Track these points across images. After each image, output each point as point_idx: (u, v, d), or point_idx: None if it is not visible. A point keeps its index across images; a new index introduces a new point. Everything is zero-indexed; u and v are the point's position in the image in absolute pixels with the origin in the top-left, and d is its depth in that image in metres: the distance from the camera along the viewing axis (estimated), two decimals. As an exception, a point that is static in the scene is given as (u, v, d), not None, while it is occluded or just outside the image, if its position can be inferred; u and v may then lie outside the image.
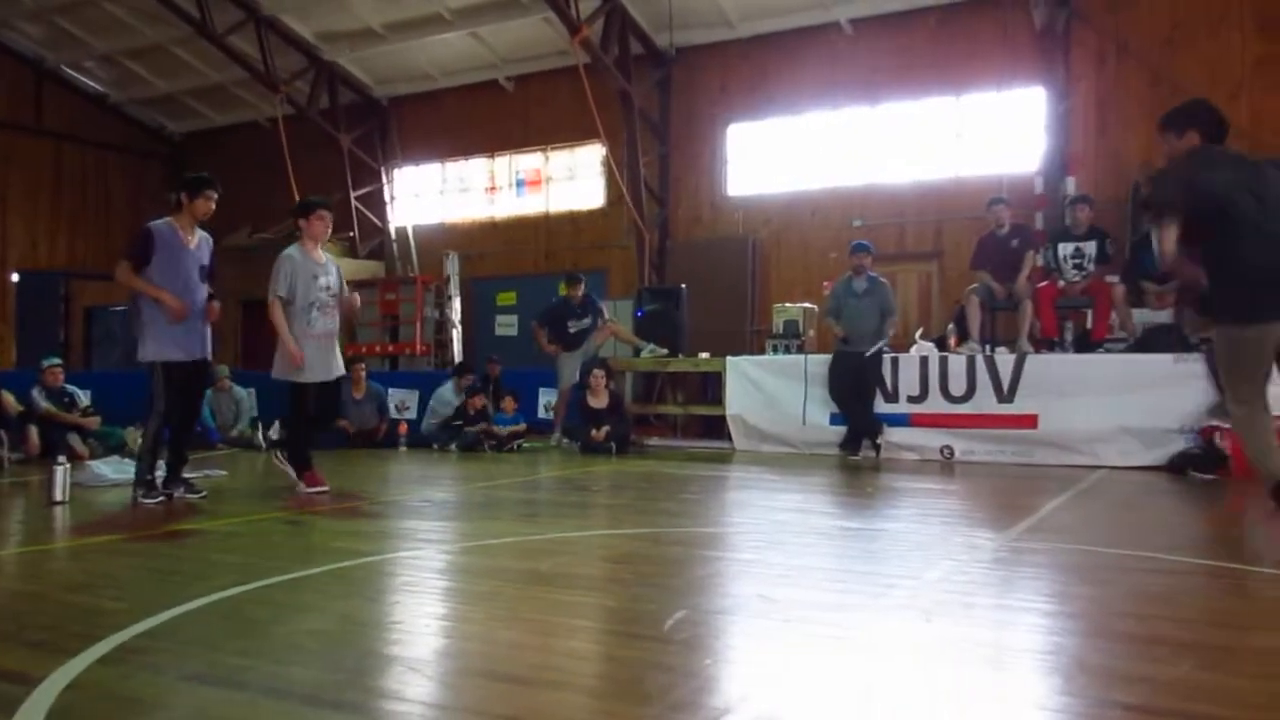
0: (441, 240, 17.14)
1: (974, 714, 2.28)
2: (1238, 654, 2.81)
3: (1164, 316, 9.17)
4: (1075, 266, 9.21)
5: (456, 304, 16.31)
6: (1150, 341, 8.76)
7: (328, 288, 6.45)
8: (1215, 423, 7.87)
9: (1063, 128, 12.40)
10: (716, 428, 10.79)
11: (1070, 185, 11.87)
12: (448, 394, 11.02)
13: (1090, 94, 12.48)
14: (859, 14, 13.79)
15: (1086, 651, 2.83)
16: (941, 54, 13.25)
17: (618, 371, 11.12)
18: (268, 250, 17.66)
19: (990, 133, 13.23)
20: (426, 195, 18.04)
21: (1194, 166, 4.11)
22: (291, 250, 6.44)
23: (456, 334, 16.25)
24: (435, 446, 10.54)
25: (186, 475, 6.23)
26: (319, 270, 6.43)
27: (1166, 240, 4.13)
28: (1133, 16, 12.26)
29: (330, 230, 6.73)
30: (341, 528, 5.23)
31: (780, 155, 14.73)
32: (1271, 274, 3.98)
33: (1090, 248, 9.17)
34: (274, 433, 10.69)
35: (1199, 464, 7.77)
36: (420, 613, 3.33)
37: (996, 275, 9.35)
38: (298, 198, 15.44)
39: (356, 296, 6.94)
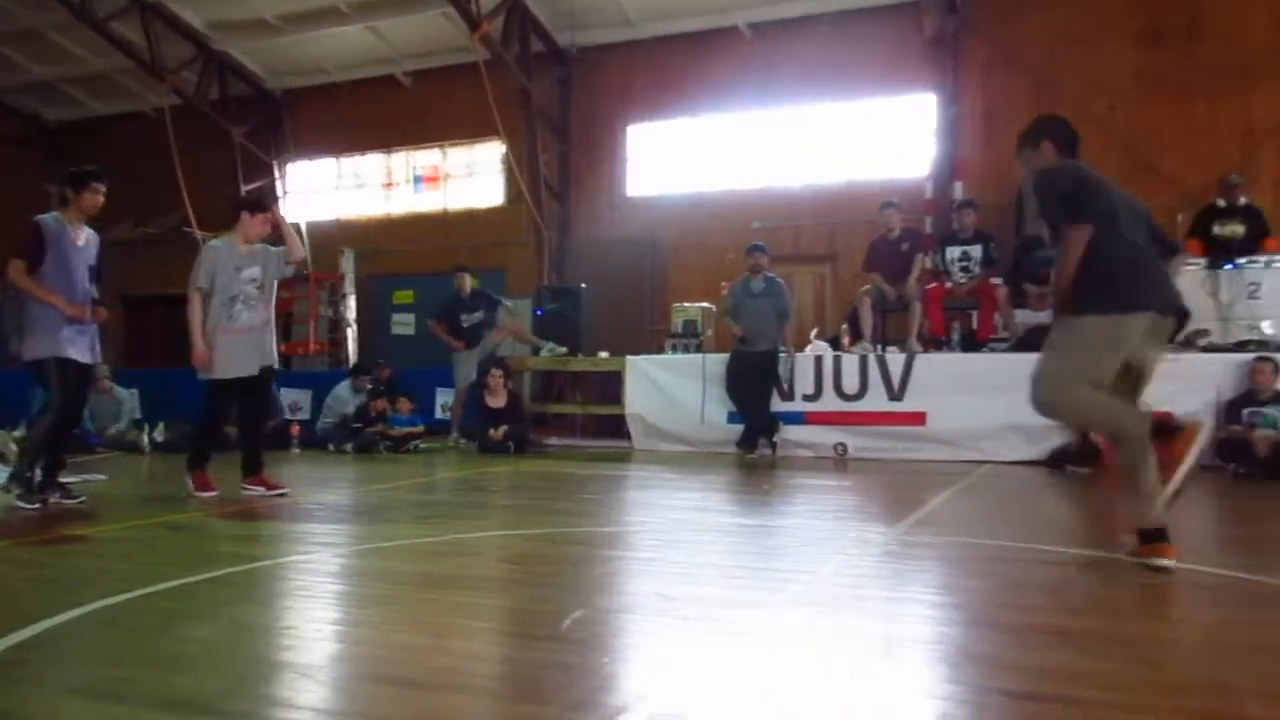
0: (337, 237, 16.74)
1: (866, 704, 2.34)
2: (1112, 640, 2.94)
3: (1044, 317, 9.55)
4: (962, 269, 9.54)
5: (352, 302, 15.95)
6: (1032, 341, 9.09)
7: (253, 280, 6.20)
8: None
9: (951, 134, 12.81)
10: (616, 427, 10.81)
11: (958, 190, 12.26)
12: (344, 393, 10.79)
13: (978, 102, 12.91)
14: (757, 18, 13.98)
15: (971, 641, 2.94)
16: (836, 60, 13.53)
17: (516, 371, 11.06)
18: (152, 245, 17.18)
19: (883, 138, 13.59)
20: (321, 191, 17.61)
21: (1087, 177, 4.25)
22: (217, 242, 6.22)
23: (352, 333, 15.91)
24: (331, 447, 10.31)
25: (63, 480, 5.95)
26: (244, 262, 6.18)
27: (1073, 253, 4.26)
28: (1018, 28, 12.72)
29: (267, 230, 6.42)
30: (231, 532, 5.07)
31: (680, 156, 14.85)
32: (1136, 271, 4.19)
33: (976, 251, 9.51)
34: (158, 434, 10.31)
35: (1076, 458, 8.14)
36: (313, 618, 3.25)
37: (888, 277, 9.62)
38: (185, 190, 14.96)
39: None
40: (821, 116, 13.92)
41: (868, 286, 9.80)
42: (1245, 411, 7.71)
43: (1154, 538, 3.84)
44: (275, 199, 5.34)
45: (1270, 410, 7.64)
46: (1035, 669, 2.61)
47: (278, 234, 6.50)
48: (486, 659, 2.81)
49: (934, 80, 12.85)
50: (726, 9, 13.89)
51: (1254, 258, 9.07)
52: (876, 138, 13.62)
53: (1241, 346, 8.43)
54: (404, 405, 10.56)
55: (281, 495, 6.19)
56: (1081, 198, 4.11)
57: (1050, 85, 12.40)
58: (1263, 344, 8.39)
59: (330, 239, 16.69)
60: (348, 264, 15.96)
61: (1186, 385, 8.15)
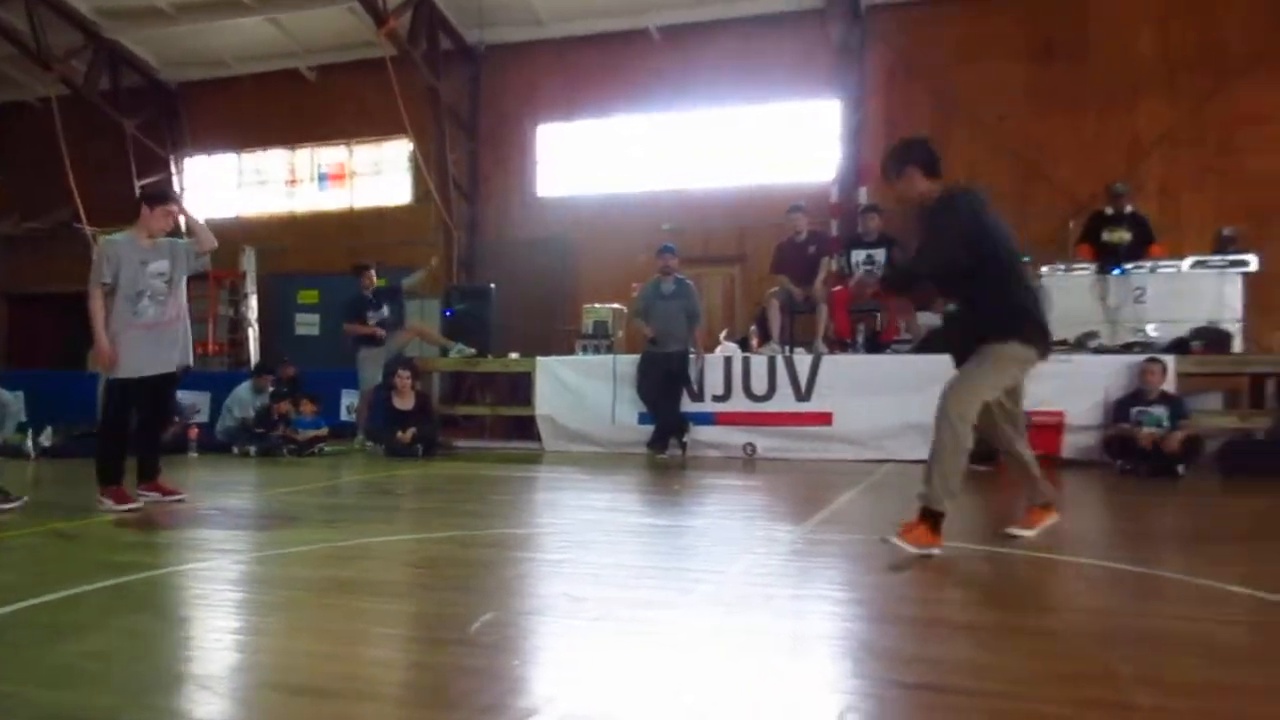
0: (237, 234, 16.23)
1: (774, 702, 2.37)
2: (1008, 633, 3.05)
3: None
4: (867, 272, 9.74)
5: (253, 302, 15.54)
6: (933, 342, 9.37)
7: (161, 274, 5.93)
8: (989, 419, 8.52)
9: (856, 140, 13.08)
10: (526, 428, 10.76)
11: (863, 195, 12.53)
12: (245, 395, 10.50)
13: (881, 109, 13.21)
14: (668, 21, 14.07)
15: (874, 636, 3.01)
16: (745, 65, 13.70)
17: (424, 372, 10.91)
18: (39, 241, 16.43)
19: (790, 142, 13.81)
20: (220, 187, 17.09)
21: (975, 209, 4.33)
22: (117, 236, 5.96)
23: (253, 333, 15.49)
24: (234, 450, 10.01)
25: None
26: (149, 256, 5.91)
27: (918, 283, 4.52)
28: (920, 39, 13.07)
29: (170, 224, 6.17)
30: (125, 539, 4.89)
31: (591, 157, 14.86)
32: (1029, 306, 4.41)
33: (880, 254, 9.74)
34: (45, 439, 9.87)
35: (975, 456, 8.37)
36: (211, 627, 3.16)
37: (795, 279, 9.78)
38: (74, 184, 14.34)
39: None
40: (731, 120, 14.09)
41: (776, 288, 9.94)
42: (1133, 410, 8.05)
43: (934, 521, 4.13)
44: (176, 192, 5.13)
45: (1156, 409, 7.99)
46: (934, 661, 2.68)
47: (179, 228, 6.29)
48: (393, 665, 2.76)
49: (839, 87, 13.10)
50: (637, 11, 13.95)
51: (1140, 263, 9.49)
52: (784, 142, 13.84)
53: (1128, 348, 8.81)
54: (308, 407, 10.31)
55: (179, 501, 5.99)
56: (982, 238, 4.25)
57: (949, 95, 12.79)
58: (1147, 346, 8.77)
59: (230, 236, 16.12)
60: (249, 262, 15.53)
61: (1077, 385, 8.51)
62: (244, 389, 10.57)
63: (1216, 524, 5.88)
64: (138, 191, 14.10)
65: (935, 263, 4.34)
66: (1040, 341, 4.37)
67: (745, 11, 13.65)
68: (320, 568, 4.01)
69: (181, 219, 6.42)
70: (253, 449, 9.86)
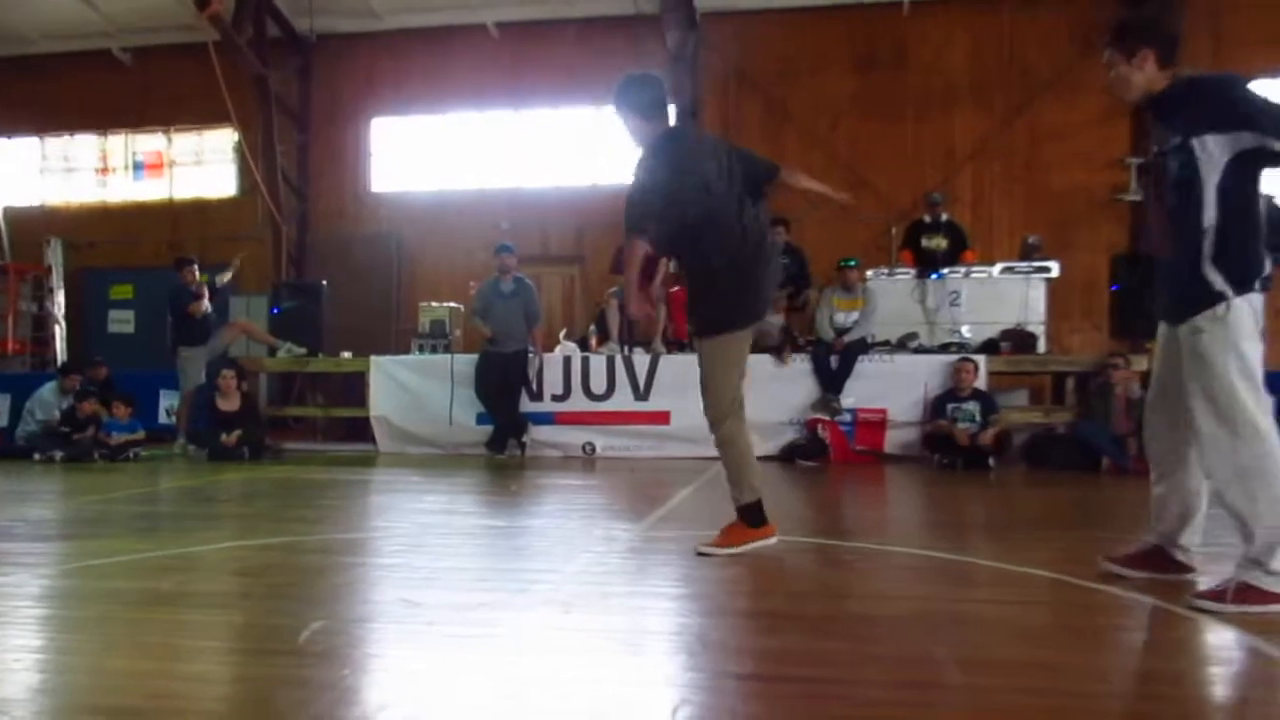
0: (41, 224, 15.14)
1: (611, 698, 2.39)
2: (834, 621, 3.18)
3: (778, 320, 10.15)
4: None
5: (60, 297, 14.52)
6: (767, 342, 9.66)
7: None
8: (819, 416, 8.88)
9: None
10: (360, 430, 10.47)
11: (698, 198, 12.76)
12: (49, 396, 9.81)
13: (716, 115, 13.52)
14: (505, 18, 13.98)
15: (708, 629, 3.08)
16: (582, 65, 13.75)
17: (251, 372, 10.46)
18: None
19: (628, 144, 13.91)
20: (21, 173, 15.87)
21: (677, 158, 4.10)
22: None
23: (60, 331, 14.47)
24: (37, 457, 9.29)
25: None
26: None
27: (630, 268, 4.12)
28: (751, 48, 13.44)
29: None
30: (-93, 556, 4.48)
31: (426, 153, 14.59)
32: (748, 278, 4.13)
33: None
34: None
35: (805, 452, 8.75)
36: (11, 646, 2.92)
37: (634, 279, 9.87)
38: None
39: None
40: (569, 119, 14.12)
41: (615, 288, 10.02)
42: (949, 407, 8.53)
43: (755, 519, 4.16)
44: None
45: (969, 405, 8.49)
46: (765, 652, 2.77)
47: None
48: (216, 680, 2.64)
49: (675, 93, 13.28)
50: (474, 6, 13.81)
51: (955, 268, 10.06)
52: (622, 143, 13.94)
53: (945, 349, 9.33)
54: (121, 410, 9.69)
55: None
56: (658, 203, 4.01)
57: (780, 103, 13.21)
58: (963, 346, 9.32)
59: (33, 227, 15.10)
60: (55, 255, 14.51)
61: (899, 384, 8.97)
62: (48, 390, 9.87)
63: (1023, 513, 6.30)
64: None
65: None
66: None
67: (584, 13, 13.71)
68: (136, 579, 3.79)
69: None
70: (58, 454, 9.20)
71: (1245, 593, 3.06)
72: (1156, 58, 3.28)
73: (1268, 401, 3.12)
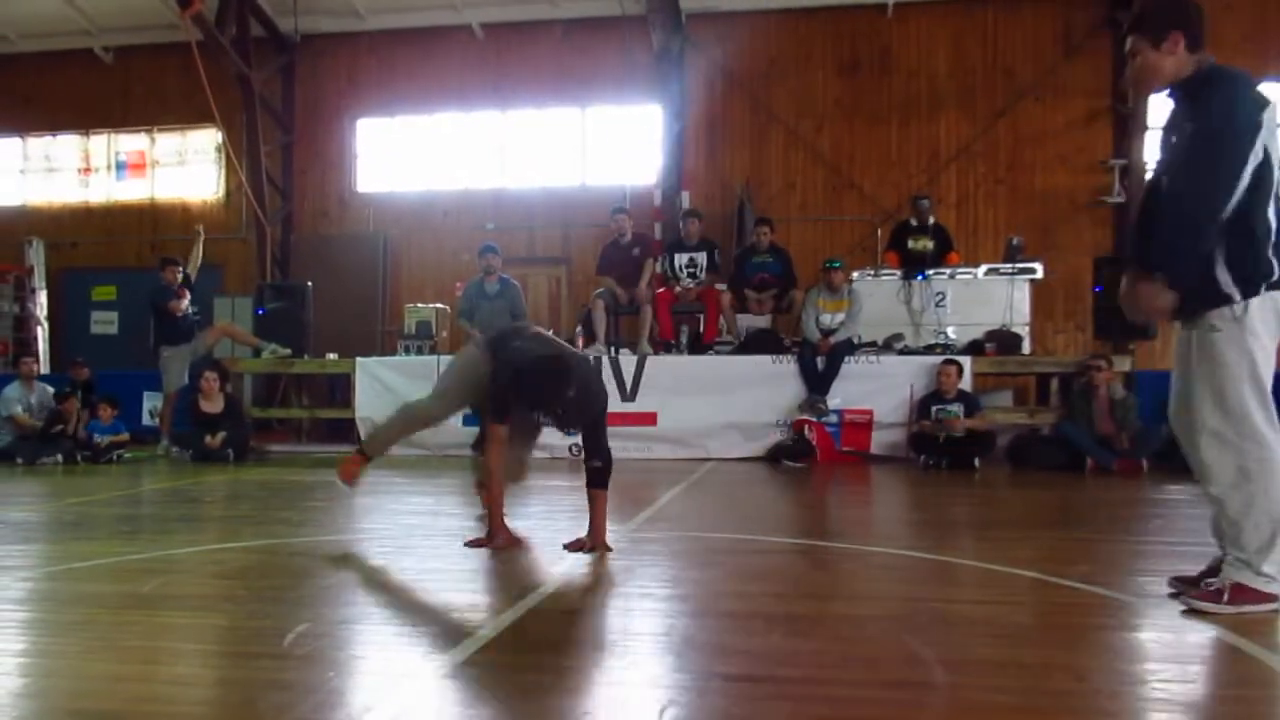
0: (23, 225, 15.03)
1: (599, 699, 2.39)
2: (819, 621, 3.18)
3: (764, 321, 10.19)
4: (689, 275, 9.98)
5: (42, 298, 14.42)
6: (752, 344, 9.69)
7: None
8: (805, 417, 8.90)
9: (678, 146, 13.34)
10: (345, 431, 10.42)
11: (685, 199, 12.80)
12: (12, 393, 9.68)
13: (702, 116, 13.53)
14: (489, 19, 13.95)
15: (695, 630, 3.08)
16: (567, 66, 13.76)
17: (234, 373, 10.41)
18: None
19: (614, 145, 13.94)
20: (3, 172, 15.73)
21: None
22: None
23: (42, 332, 14.37)
24: (19, 461, 9.18)
25: None
26: None
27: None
28: (737, 49, 13.46)
29: None
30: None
31: (412, 154, 14.55)
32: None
33: (701, 258, 9.98)
34: None
35: (791, 454, 8.75)
36: (-9, 651, 2.90)
37: (620, 281, 9.90)
38: None
39: None
40: (555, 121, 14.10)
41: (601, 289, 10.02)
42: (934, 409, 8.55)
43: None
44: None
45: (953, 407, 8.52)
46: (752, 652, 2.77)
47: None
48: (198, 683, 2.62)
49: (661, 93, 13.33)
50: (458, 6, 13.78)
51: (940, 270, 10.10)
52: (608, 144, 13.96)
53: (930, 350, 9.36)
54: (105, 411, 9.61)
55: None
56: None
57: (765, 104, 13.25)
58: (948, 347, 9.35)
59: (14, 227, 14.98)
60: (36, 256, 14.40)
61: (884, 385, 8.99)
62: (11, 389, 9.73)
63: (1007, 513, 6.33)
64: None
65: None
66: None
67: (569, 13, 13.70)
68: (119, 582, 3.76)
69: None
70: (48, 460, 9.09)
71: (1241, 593, 3.06)
72: (1186, 41, 3.13)
73: (1273, 410, 3.08)
